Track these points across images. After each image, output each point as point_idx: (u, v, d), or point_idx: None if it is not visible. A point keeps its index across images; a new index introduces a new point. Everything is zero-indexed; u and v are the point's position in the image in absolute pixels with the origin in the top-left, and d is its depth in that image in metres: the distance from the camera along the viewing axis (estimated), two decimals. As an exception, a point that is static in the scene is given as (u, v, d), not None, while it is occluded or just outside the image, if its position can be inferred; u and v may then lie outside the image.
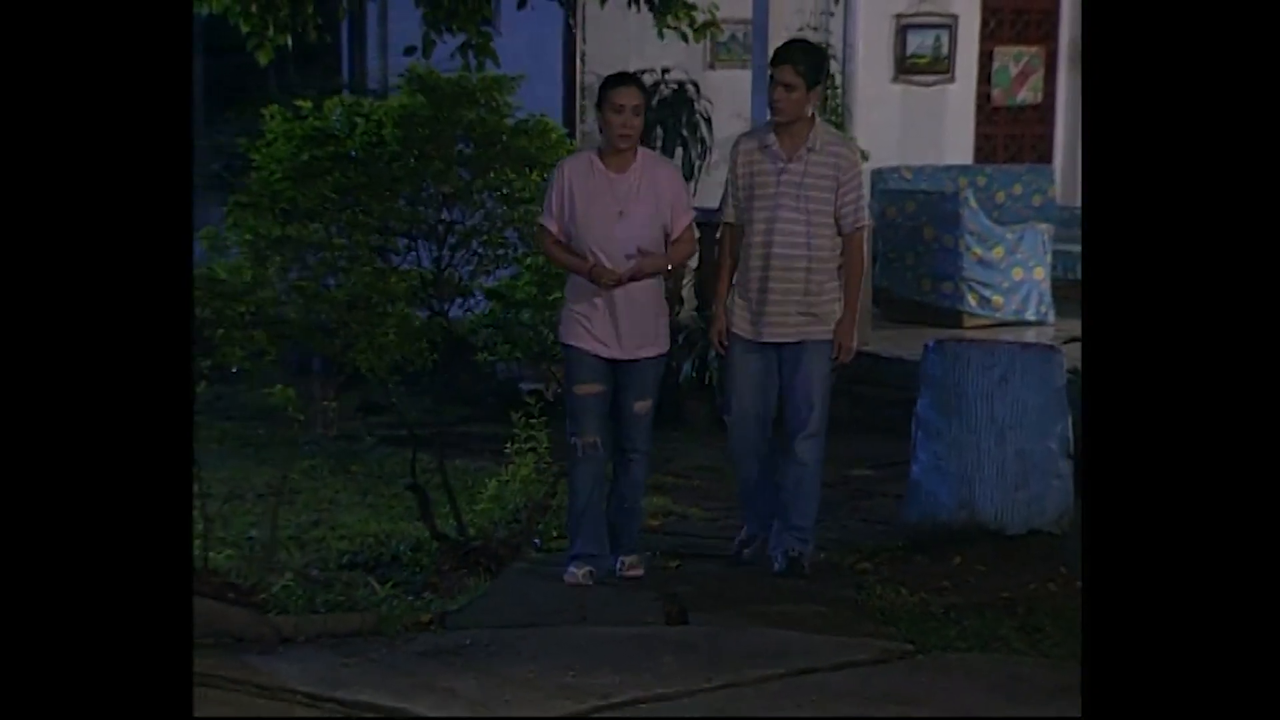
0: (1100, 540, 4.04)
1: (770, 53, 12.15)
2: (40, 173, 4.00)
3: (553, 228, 7.49)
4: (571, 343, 7.55)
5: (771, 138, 7.73)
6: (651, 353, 7.59)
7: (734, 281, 7.82)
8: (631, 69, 9.34)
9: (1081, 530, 4.04)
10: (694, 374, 11.60)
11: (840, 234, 7.70)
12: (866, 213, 7.90)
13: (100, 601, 4.09)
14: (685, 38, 8.97)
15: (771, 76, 7.68)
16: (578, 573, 7.51)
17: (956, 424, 7.96)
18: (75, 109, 4.01)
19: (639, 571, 7.68)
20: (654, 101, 13.13)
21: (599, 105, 7.48)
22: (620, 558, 7.68)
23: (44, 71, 3.99)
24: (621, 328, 7.47)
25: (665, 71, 13.40)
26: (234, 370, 7.38)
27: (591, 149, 7.70)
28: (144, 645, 4.11)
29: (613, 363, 7.54)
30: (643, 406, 7.61)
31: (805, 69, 7.63)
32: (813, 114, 7.77)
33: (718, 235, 8.00)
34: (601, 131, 7.51)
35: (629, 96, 7.41)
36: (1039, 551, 7.82)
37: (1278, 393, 3.96)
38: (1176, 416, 4.01)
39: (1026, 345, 8.40)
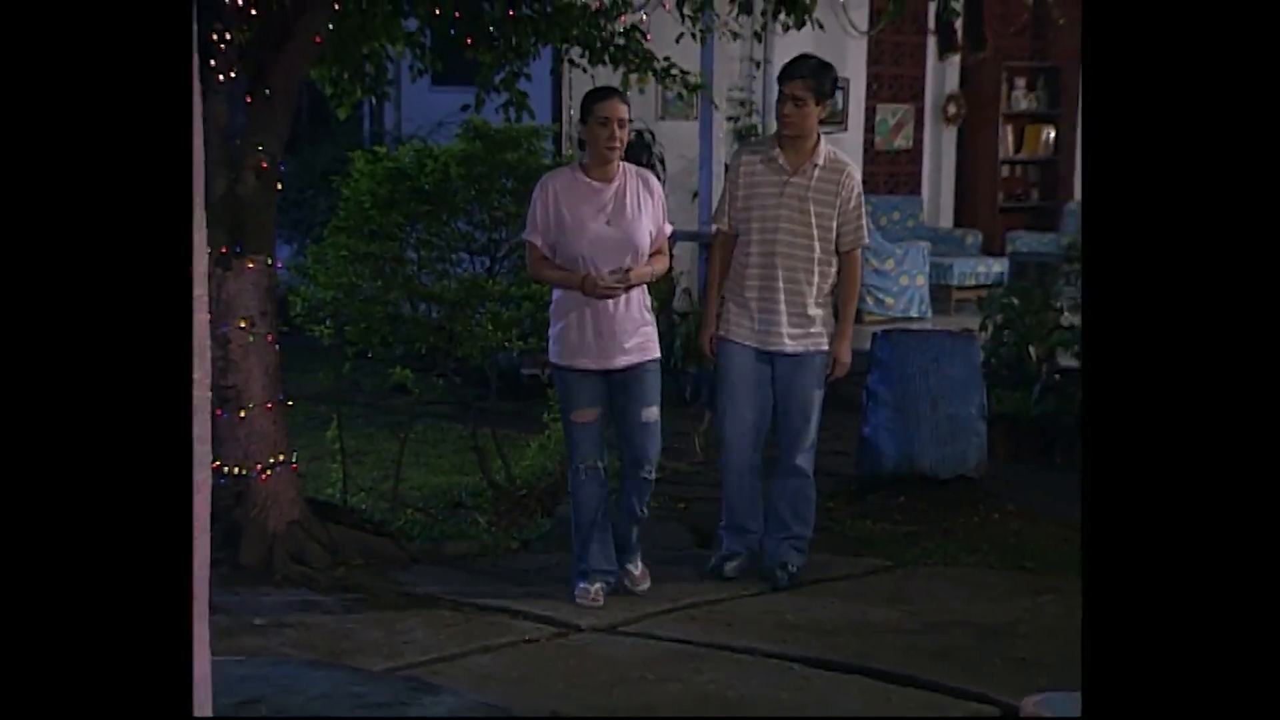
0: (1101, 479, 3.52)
1: (710, 109, 12.81)
2: (45, 187, 3.41)
3: (538, 241, 6.37)
4: (563, 363, 6.39)
5: (776, 151, 6.67)
6: (646, 358, 6.38)
7: (726, 289, 6.79)
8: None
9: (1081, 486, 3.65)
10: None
11: (838, 251, 6.68)
12: (865, 232, 6.80)
13: (99, 598, 3.27)
14: (681, 95, 9.34)
15: (781, 92, 6.67)
16: (590, 589, 6.38)
17: (899, 394, 8.30)
18: (87, 127, 3.43)
19: (647, 584, 6.60)
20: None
21: (584, 119, 6.36)
22: (628, 566, 6.58)
23: (45, 89, 3.59)
24: (615, 338, 6.31)
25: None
26: (368, 355, 7.75)
27: (572, 165, 6.60)
28: (144, 644, 3.32)
29: (608, 377, 6.38)
30: (649, 414, 6.38)
31: (814, 82, 6.61)
32: (818, 134, 6.74)
33: (710, 242, 7.09)
34: (583, 146, 6.48)
35: (614, 110, 6.28)
36: (964, 492, 8.22)
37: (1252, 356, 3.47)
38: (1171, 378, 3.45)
39: (953, 334, 8.81)
